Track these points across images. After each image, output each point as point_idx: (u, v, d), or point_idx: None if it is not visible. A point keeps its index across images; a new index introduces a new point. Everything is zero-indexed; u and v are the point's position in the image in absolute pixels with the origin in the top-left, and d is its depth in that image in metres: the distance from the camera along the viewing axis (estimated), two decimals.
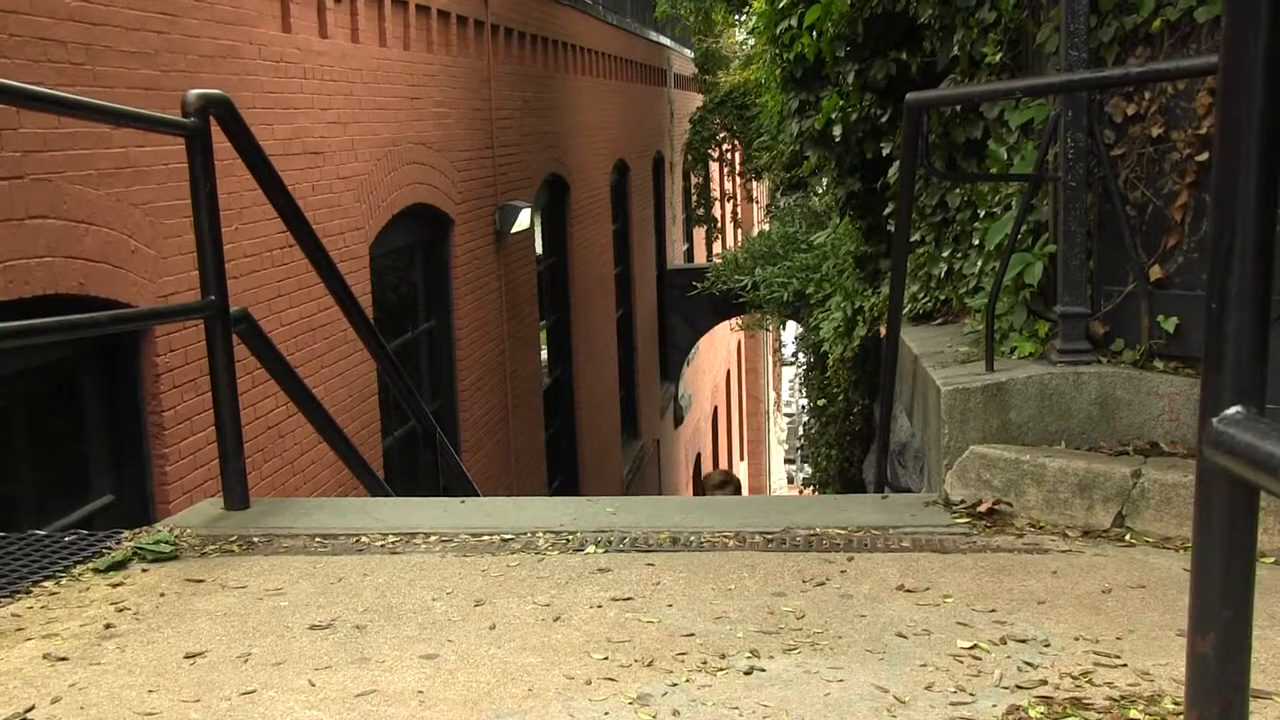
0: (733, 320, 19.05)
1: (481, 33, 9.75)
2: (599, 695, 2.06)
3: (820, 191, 9.83)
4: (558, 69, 12.45)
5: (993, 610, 2.45)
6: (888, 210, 5.36)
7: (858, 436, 8.34)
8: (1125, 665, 2.16)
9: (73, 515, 4.75)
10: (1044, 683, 2.09)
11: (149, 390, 5.05)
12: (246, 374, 4.91)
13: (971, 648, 2.25)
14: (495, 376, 10.06)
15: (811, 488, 12.04)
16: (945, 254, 4.56)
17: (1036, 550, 2.86)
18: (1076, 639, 2.29)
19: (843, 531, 3.03)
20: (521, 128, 10.84)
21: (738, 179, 21.02)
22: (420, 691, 2.08)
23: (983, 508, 3.13)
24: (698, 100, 19.26)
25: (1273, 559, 2.78)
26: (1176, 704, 1.98)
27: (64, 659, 2.26)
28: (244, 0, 5.92)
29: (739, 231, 25.62)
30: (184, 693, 2.10)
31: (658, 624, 2.40)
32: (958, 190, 4.52)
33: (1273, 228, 1.07)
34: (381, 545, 2.99)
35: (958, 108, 4.50)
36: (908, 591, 2.58)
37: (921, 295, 4.69)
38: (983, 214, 4.16)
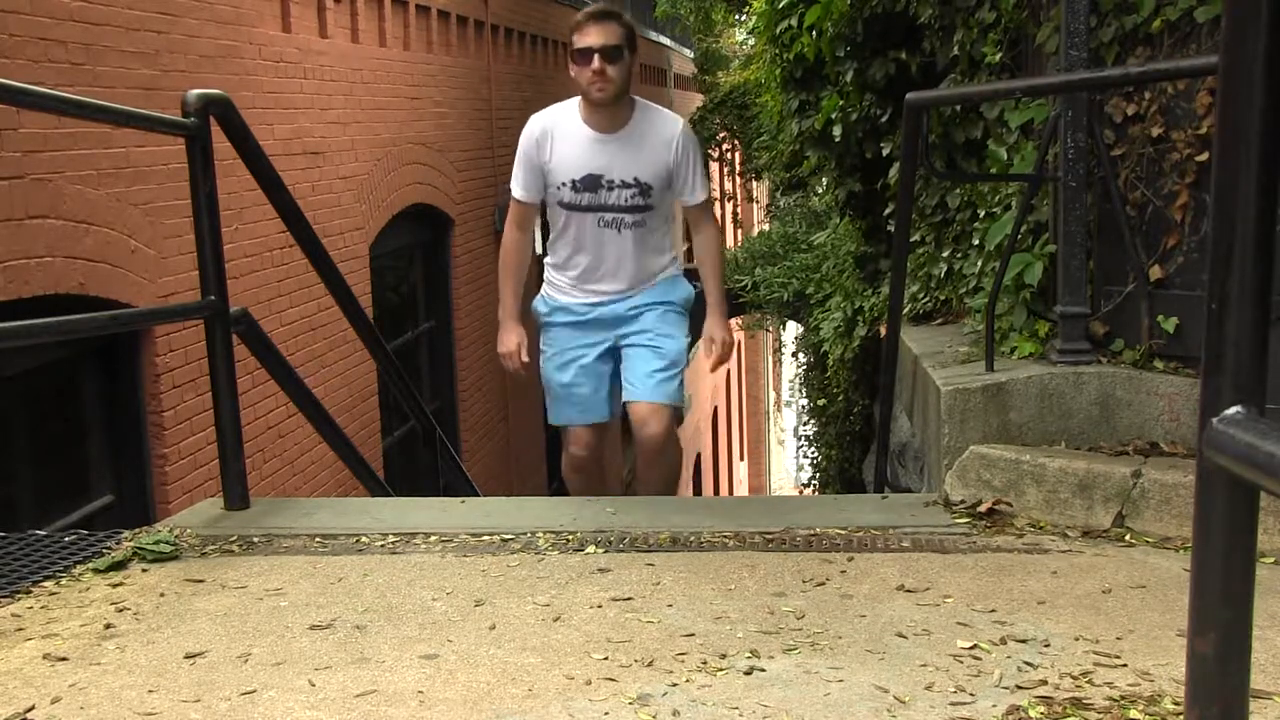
0: (733, 320, 19.05)
1: (481, 33, 9.75)
2: (599, 695, 2.06)
3: (820, 191, 9.83)
4: (558, 69, 12.45)
5: (993, 610, 2.45)
6: (888, 210, 5.36)
7: (858, 436, 8.34)
8: (1125, 665, 2.16)
9: (73, 515, 4.75)
10: (1044, 683, 2.09)
11: (149, 390, 5.05)
12: (246, 374, 4.91)
13: (971, 648, 2.25)
14: (495, 376, 10.06)
15: (811, 488, 12.03)
16: (945, 254, 4.56)
17: (1036, 550, 2.86)
18: (1076, 639, 2.29)
19: (843, 531, 3.03)
20: (521, 127, 10.83)
21: (738, 179, 21.02)
22: (420, 691, 2.08)
23: (983, 508, 3.13)
24: (698, 100, 19.26)
25: (1273, 559, 2.78)
26: (1176, 704, 1.98)
27: (64, 659, 2.26)
28: (244, 0, 5.92)
29: (739, 231, 25.62)
30: (184, 693, 2.10)
31: (658, 624, 2.40)
32: (958, 190, 4.52)
33: (1273, 228, 1.07)
34: (381, 545, 2.99)
35: (958, 108, 4.50)
36: (908, 591, 2.58)
37: (921, 295, 4.69)
38: (983, 214, 4.16)
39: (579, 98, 3.77)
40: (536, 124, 3.85)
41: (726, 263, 4.04)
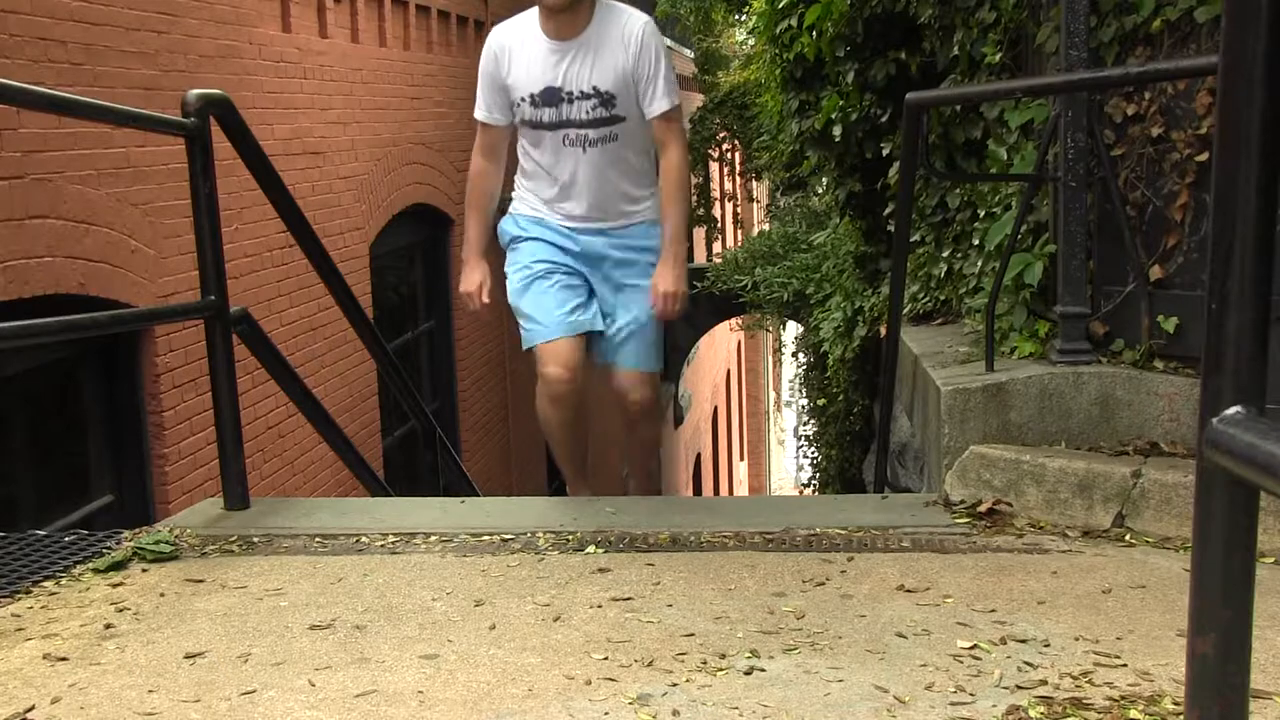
0: (733, 320, 19.05)
1: (481, 33, 9.75)
2: (599, 695, 2.06)
3: (820, 191, 9.83)
4: None
5: (993, 610, 2.45)
6: (888, 210, 5.36)
7: (858, 436, 8.34)
8: (1125, 665, 2.16)
9: (73, 515, 4.75)
10: (1044, 683, 2.09)
11: (149, 390, 5.05)
12: (246, 374, 4.91)
13: (971, 648, 2.25)
14: (495, 376, 10.06)
15: (811, 488, 12.03)
16: (945, 254, 4.56)
17: (1036, 550, 2.86)
18: (1076, 639, 2.29)
19: (843, 531, 3.03)
20: None
21: (738, 179, 21.02)
22: (420, 691, 2.08)
23: (983, 508, 3.13)
24: (698, 100, 19.26)
25: (1273, 559, 2.78)
26: (1176, 704, 1.98)
27: (64, 659, 2.26)
28: (244, 0, 5.92)
29: (739, 231, 25.62)
30: (184, 693, 2.10)
31: (658, 624, 2.40)
32: (958, 190, 4.52)
33: (1273, 228, 1.07)
34: (381, 545, 2.99)
35: (958, 108, 4.50)
36: (908, 591, 2.58)
37: (921, 295, 4.69)
38: (983, 214, 4.16)
39: (538, 5, 3.44)
40: (495, 38, 3.52)
41: (690, 196, 3.63)
